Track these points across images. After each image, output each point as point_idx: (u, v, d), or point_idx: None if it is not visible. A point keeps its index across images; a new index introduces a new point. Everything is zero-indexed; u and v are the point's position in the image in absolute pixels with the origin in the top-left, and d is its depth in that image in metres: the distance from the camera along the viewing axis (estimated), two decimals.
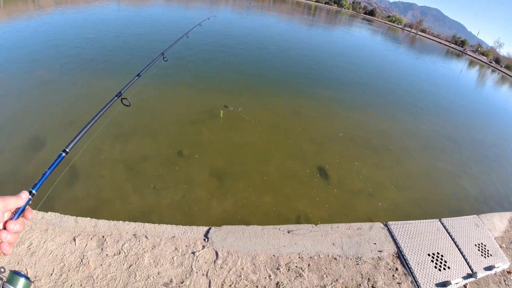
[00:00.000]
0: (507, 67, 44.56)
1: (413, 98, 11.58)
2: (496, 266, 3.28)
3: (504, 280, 3.22)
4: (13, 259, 2.47)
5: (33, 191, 0.95)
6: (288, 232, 2.94)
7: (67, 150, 1.75)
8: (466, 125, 10.27)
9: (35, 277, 2.37)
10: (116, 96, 2.06)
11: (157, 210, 3.81)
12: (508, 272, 3.33)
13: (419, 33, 60.89)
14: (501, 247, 3.69)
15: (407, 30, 64.20)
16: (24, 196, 0.83)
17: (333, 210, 4.23)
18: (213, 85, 8.18)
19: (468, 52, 51.42)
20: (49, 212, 3.02)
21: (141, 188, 4.13)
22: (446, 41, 61.02)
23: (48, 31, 10.93)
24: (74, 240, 2.73)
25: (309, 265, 2.68)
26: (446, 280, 2.90)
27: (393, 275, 2.80)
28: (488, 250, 3.52)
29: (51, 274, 2.39)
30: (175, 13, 22.34)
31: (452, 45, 56.41)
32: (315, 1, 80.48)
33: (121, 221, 2.95)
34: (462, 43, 59.40)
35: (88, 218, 3.00)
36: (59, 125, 5.28)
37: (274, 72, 10.68)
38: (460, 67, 30.64)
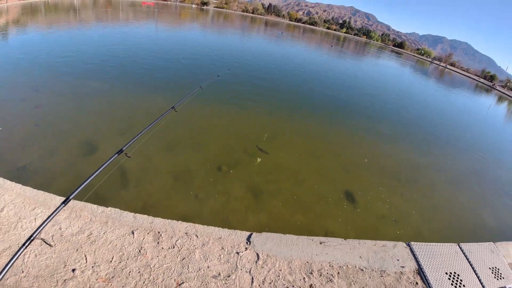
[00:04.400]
0: None
1: (441, 133, 11.74)
2: (507, 286, 3.52)
3: None
4: (72, 246, 2.77)
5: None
6: (320, 243, 3.31)
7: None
8: (491, 161, 10.27)
9: (94, 263, 2.65)
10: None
11: (199, 216, 4.25)
12: None
13: (448, 66, 60.48)
14: None
15: (436, 64, 63.88)
16: None
17: (358, 231, 4.54)
18: (250, 110, 8.82)
19: (497, 87, 50.41)
20: (110, 208, 3.42)
21: (185, 196, 4.62)
22: (475, 75, 60.17)
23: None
24: (133, 233, 3.12)
25: (338, 273, 3.02)
26: None
27: None
28: (501, 273, 3.74)
29: (111, 261, 2.72)
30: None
31: (481, 80, 55.55)
32: (344, 32, 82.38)
33: (174, 220, 3.39)
34: (491, 78, 58.40)
35: (146, 215, 3.45)
36: (111, 132, 6.00)
37: (305, 101, 11.24)
38: (489, 102, 30.19)
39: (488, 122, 18.63)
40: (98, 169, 2.43)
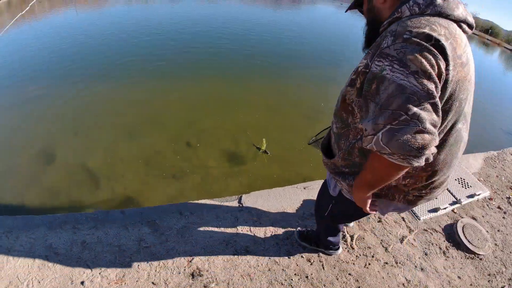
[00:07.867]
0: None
1: None
2: (477, 193, 4.00)
3: (487, 205, 3.95)
4: (70, 260, 2.64)
5: None
6: (304, 188, 3.62)
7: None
8: None
9: (100, 269, 2.57)
10: None
11: (182, 194, 4.30)
12: (490, 199, 4.05)
13: None
14: (479, 180, 4.39)
15: None
16: None
17: None
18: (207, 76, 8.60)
19: None
20: (93, 211, 3.30)
21: (162, 179, 4.60)
22: None
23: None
24: (127, 228, 3.04)
25: None
26: (436, 207, 3.66)
27: None
28: (467, 183, 4.21)
29: (115, 262, 2.67)
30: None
31: None
32: None
33: (164, 204, 3.42)
34: None
35: (133, 208, 3.45)
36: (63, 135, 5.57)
37: (249, 62, 10.98)
38: None
39: None
40: None
